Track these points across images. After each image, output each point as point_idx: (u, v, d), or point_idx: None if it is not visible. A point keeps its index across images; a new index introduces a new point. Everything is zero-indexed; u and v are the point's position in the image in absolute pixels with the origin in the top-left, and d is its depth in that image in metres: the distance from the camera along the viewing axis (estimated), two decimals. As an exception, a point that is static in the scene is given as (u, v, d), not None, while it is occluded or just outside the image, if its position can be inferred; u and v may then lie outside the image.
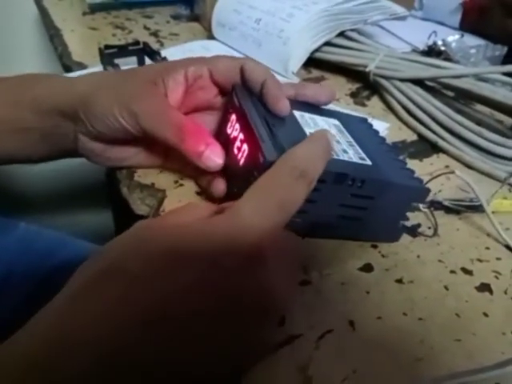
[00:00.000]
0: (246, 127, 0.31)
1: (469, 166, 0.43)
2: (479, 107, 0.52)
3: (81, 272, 0.22)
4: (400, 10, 0.60)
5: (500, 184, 0.38)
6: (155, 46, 0.62)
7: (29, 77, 0.39)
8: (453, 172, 0.33)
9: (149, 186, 0.37)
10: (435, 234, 0.35)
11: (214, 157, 0.32)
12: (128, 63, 0.53)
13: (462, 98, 0.54)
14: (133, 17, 0.73)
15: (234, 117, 0.33)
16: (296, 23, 0.52)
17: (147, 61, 0.53)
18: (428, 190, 0.31)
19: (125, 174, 0.39)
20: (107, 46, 0.51)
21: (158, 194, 0.37)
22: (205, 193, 0.36)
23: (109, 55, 0.51)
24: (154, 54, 0.52)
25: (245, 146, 0.30)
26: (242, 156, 0.30)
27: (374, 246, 0.33)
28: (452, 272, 0.32)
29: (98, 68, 0.53)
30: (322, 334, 0.27)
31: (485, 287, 0.31)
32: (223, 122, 0.35)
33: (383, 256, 0.33)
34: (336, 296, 0.29)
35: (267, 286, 0.22)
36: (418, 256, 0.33)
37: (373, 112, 0.51)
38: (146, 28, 0.69)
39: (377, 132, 0.38)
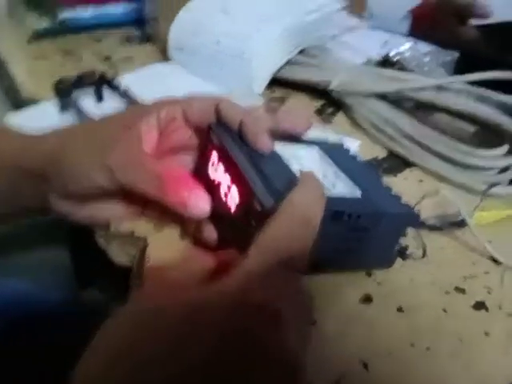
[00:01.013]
0: (231, 169, 0.30)
1: (442, 179, 0.44)
2: (438, 115, 0.54)
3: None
4: (354, 22, 0.61)
5: (477, 196, 0.39)
6: (109, 72, 0.60)
7: None
8: (437, 193, 0.33)
9: (128, 234, 0.36)
10: (424, 255, 0.35)
11: (200, 204, 0.30)
12: (85, 94, 0.51)
13: (421, 108, 0.55)
14: (81, 42, 0.70)
15: (215, 157, 0.32)
16: (257, 44, 0.51)
17: (107, 92, 0.51)
18: (418, 216, 0.32)
19: (100, 222, 0.37)
20: (62, 80, 0.48)
21: (139, 242, 0.35)
22: (189, 237, 0.35)
23: (64, 89, 0.48)
24: (111, 85, 0.50)
25: (234, 192, 0.29)
26: (232, 202, 0.29)
27: (369, 274, 0.33)
28: (447, 293, 0.33)
29: (53, 102, 0.50)
30: (336, 380, 0.26)
31: (480, 305, 0.32)
32: (202, 162, 0.34)
33: (379, 284, 0.33)
34: (343, 335, 0.29)
35: (285, 343, 0.21)
36: (412, 280, 0.33)
37: (339, 129, 0.52)
38: (96, 53, 0.66)
39: (355, 156, 0.38)
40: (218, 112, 0.33)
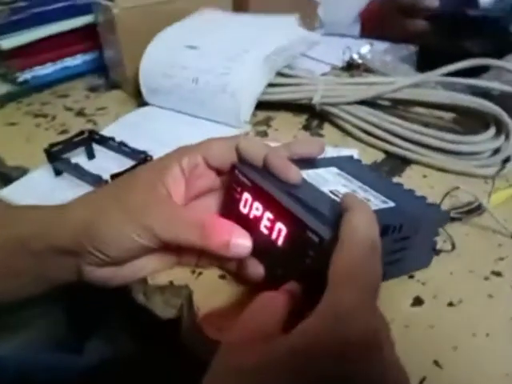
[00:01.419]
0: (270, 204, 0.30)
1: (442, 170, 0.46)
2: (416, 109, 0.56)
3: None
4: (317, 36, 0.63)
5: (477, 179, 0.41)
6: (87, 126, 0.59)
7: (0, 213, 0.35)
8: (458, 188, 0.35)
9: (168, 285, 0.35)
10: (454, 246, 0.37)
11: (242, 243, 0.31)
12: (76, 155, 0.50)
13: (399, 105, 0.58)
14: (47, 99, 0.68)
15: (247, 195, 0.33)
16: (237, 75, 0.52)
17: (96, 148, 0.51)
18: (449, 213, 0.33)
19: (135, 280, 0.36)
20: (52, 145, 0.47)
21: (181, 291, 0.35)
22: (231, 276, 0.35)
23: (56, 153, 0.47)
24: (103, 140, 0.49)
25: (279, 225, 0.30)
26: (278, 236, 0.30)
27: (411, 277, 0.35)
28: (486, 279, 0.34)
29: (43, 168, 0.49)
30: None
31: (521, 284, 0.34)
32: (230, 201, 0.34)
33: (424, 284, 0.34)
34: (406, 341, 0.30)
35: (395, 364, 0.22)
36: (451, 273, 0.35)
37: (331, 140, 0.53)
38: (67, 109, 0.65)
39: (367, 166, 0.39)
40: (238, 151, 0.33)
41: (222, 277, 0.35)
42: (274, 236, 0.30)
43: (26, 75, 0.68)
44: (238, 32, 0.59)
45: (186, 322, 0.34)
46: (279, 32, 0.57)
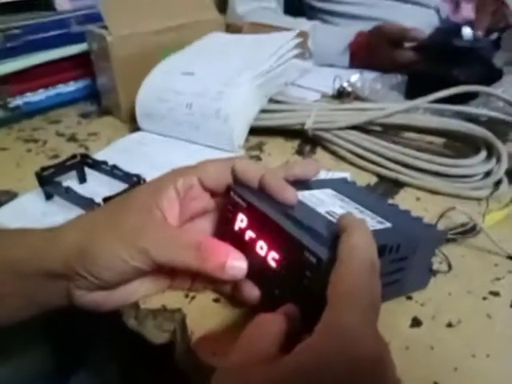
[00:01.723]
0: (266, 225, 0.30)
1: (435, 192, 0.47)
2: (407, 134, 0.57)
3: None
4: (308, 65, 0.64)
5: (470, 201, 0.42)
6: (79, 150, 0.59)
7: None
8: (454, 208, 0.35)
9: (160, 309, 0.34)
10: (450, 268, 0.37)
11: (238, 265, 0.30)
12: (67, 179, 0.49)
13: (391, 130, 0.58)
14: (39, 125, 0.68)
15: (241, 216, 0.32)
16: (230, 100, 0.53)
17: (88, 172, 0.50)
18: (445, 233, 0.33)
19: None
20: (43, 168, 0.47)
21: (174, 315, 0.34)
22: (225, 299, 0.34)
23: (47, 177, 0.47)
24: (96, 164, 0.49)
25: (275, 246, 0.29)
26: (274, 257, 0.29)
27: (409, 298, 0.34)
28: (484, 299, 0.34)
29: (33, 192, 0.48)
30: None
31: (518, 304, 0.34)
32: (224, 222, 0.34)
33: (422, 305, 0.34)
34: (406, 362, 0.29)
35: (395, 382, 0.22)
36: (449, 293, 0.35)
37: (324, 164, 0.53)
38: (59, 134, 0.65)
39: (361, 187, 0.39)
40: (234, 173, 0.33)
41: (216, 300, 0.35)
42: (270, 257, 0.30)
43: (18, 101, 0.68)
44: (234, 55, 0.60)
45: (180, 347, 0.33)
46: (272, 49, 0.57)
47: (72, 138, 0.63)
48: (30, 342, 0.65)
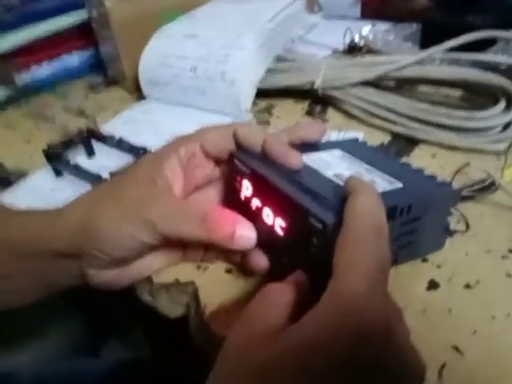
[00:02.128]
0: (271, 192, 0.29)
1: (451, 148, 0.45)
2: (422, 88, 0.54)
3: None
4: (314, 18, 0.61)
5: (488, 155, 0.40)
6: (87, 124, 0.58)
7: None
8: (469, 164, 0.34)
9: (173, 283, 0.34)
10: (468, 227, 0.35)
11: (246, 234, 0.30)
12: (75, 154, 0.49)
13: (404, 84, 0.56)
14: (46, 101, 0.67)
15: (246, 184, 0.31)
16: (235, 62, 0.51)
17: (95, 145, 0.50)
18: (460, 192, 0.32)
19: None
20: (51, 146, 0.47)
21: (187, 288, 0.34)
22: (237, 268, 0.34)
23: (55, 154, 0.46)
24: (102, 138, 0.48)
25: (282, 213, 0.28)
26: (281, 224, 0.29)
27: (425, 260, 0.33)
28: (503, 258, 0.33)
29: (43, 170, 0.48)
30: (439, 371, 0.26)
31: (540, 262, 0.32)
32: (231, 191, 0.33)
33: (438, 267, 0.33)
34: (424, 326, 0.29)
35: (409, 350, 0.21)
36: (466, 254, 0.33)
37: (335, 125, 0.52)
38: (67, 109, 0.64)
39: (373, 147, 0.38)
40: (236, 139, 0.32)
41: (229, 271, 0.34)
42: (276, 225, 0.29)
43: (24, 77, 0.67)
44: (237, 15, 0.57)
45: (194, 320, 0.33)
46: (275, 8, 0.55)
47: (80, 112, 0.62)
48: (62, 314, 0.67)
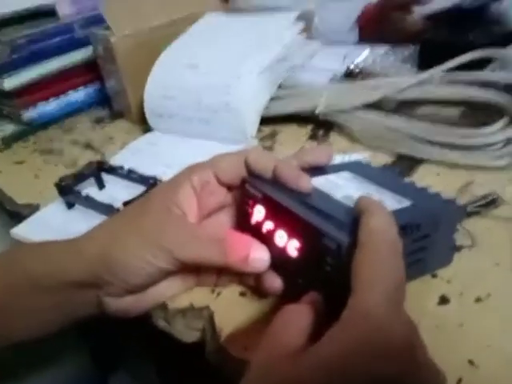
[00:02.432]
0: (283, 215, 0.30)
1: (454, 166, 0.45)
2: (422, 108, 0.56)
3: None
4: (316, 45, 0.63)
5: (490, 172, 0.41)
6: (95, 157, 0.60)
7: (5, 253, 0.35)
8: (473, 181, 0.35)
9: (188, 308, 0.35)
10: (475, 242, 0.36)
11: (260, 256, 0.31)
12: (86, 187, 0.50)
13: (405, 106, 0.57)
14: (54, 135, 0.69)
15: (259, 208, 0.32)
16: (239, 92, 0.52)
17: (105, 177, 0.51)
18: (465, 207, 0.32)
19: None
20: (62, 179, 0.48)
21: (202, 312, 0.34)
22: (251, 291, 0.35)
23: (66, 186, 0.47)
24: (112, 169, 0.50)
25: (294, 235, 0.29)
26: (294, 246, 0.29)
27: (434, 276, 0.34)
28: (512, 271, 0.33)
29: (55, 203, 0.49)
30: (457, 386, 0.26)
31: (550, 273, 0.33)
32: (244, 216, 0.34)
33: (448, 282, 0.33)
34: (437, 341, 0.29)
35: (429, 365, 0.21)
36: (475, 268, 0.34)
37: (339, 148, 0.53)
38: (74, 143, 0.66)
39: (378, 168, 0.39)
40: (247, 165, 0.33)
41: (243, 294, 0.35)
42: (290, 247, 0.30)
43: (31, 113, 0.69)
44: (236, 41, 0.59)
45: (210, 344, 0.34)
46: (278, 37, 0.56)
47: (88, 145, 0.64)
48: (68, 347, 0.66)
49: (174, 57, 0.61)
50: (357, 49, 0.74)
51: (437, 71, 0.50)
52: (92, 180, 0.50)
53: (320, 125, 0.57)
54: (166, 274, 0.32)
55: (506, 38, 0.66)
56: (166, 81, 0.59)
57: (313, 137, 0.56)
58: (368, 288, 0.22)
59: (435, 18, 0.73)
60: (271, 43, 0.55)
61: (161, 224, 0.31)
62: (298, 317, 0.25)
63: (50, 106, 0.72)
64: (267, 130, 0.59)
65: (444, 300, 0.32)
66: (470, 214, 0.38)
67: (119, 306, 0.32)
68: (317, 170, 0.35)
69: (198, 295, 0.35)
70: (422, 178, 0.45)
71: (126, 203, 0.41)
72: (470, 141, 0.45)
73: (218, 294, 0.35)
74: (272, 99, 0.56)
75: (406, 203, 0.31)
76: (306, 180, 0.31)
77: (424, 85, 0.52)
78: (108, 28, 0.63)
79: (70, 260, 0.32)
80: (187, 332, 0.35)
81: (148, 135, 0.61)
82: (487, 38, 0.63)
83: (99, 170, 0.50)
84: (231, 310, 0.34)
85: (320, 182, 0.33)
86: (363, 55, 0.69)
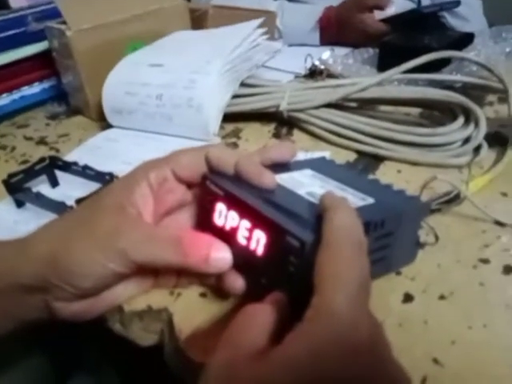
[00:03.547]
0: (246, 212, 0.29)
1: (415, 163, 0.46)
2: (382, 108, 0.56)
3: None
4: (278, 45, 0.62)
5: (449, 169, 0.41)
6: (50, 153, 0.57)
7: None
8: (435, 178, 0.35)
9: (146, 310, 0.33)
10: (437, 239, 0.36)
11: (221, 256, 0.29)
12: (38, 184, 0.47)
13: (366, 105, 0.57)
14: (6, 131, 0.65)
15: (221, 206, 0.31)
16: (202, 88, 0.51)
17: (59, 174, 0.48)
18: (430, 204, 0.32)
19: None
20: (11, 175, 0.45)
21: (161, 315, 0.33)
22: (211, 292, 0.33)
23: (16, 184, 0.45)
24: (66, 166, 0.47)
25: (257, 233, 0.28)
26: (257, 245, 0.28)
27: (398, 273, 0.34)
28: (474, 267, 0.34)
29: (3, 202, 0.46)
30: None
31: (509, 269, 0.33)
32: (205, 214, 0.33)
33: (412, 279, 0.33)
34: (401, 339, 0.29)
35: (394, 363, 0.21)
36: (438, 265, 0.34)
37: (302, 145, 0.52)
38: (27, 138, 0.62)
39: (341, 165, 0.38)
40: (208, 162, 0.32)
41: (203, 295, 0.34)
42: (253, 245, 0.29)
43: (-18, 108, 0.66)
44: (201, 46, 0.58)
45: (169, 347, 0.32)
46: (239, 37, 0.56)
47: (41, 142, 0.61)
48: (26, 350, 0.63)
49: (139, 57, 0.60)
50: (318, 50, 0.75)
51: (396, 72, 0.50)
52: (44, 177, 0.48)
53: (283, 123, 0.57)
54: (121, 277, 0.30)
55: (461, 41, 0.69)
56: (128, 78, 0.57)
57: (276, 135, 0.56)
58: (332, 286, 0.22)
59: (394, 22, 0.75)
60: (234, 44, 0.54)
61: (114, 225, 0.29)
62: (261, 316, 0.24)
63: (3, 101, 0.68)
64: (230, 127, 0.58)
65: (408, 297, 0.32)
66: (432, 211, 0.39)
67: (70, 310, 0.30)
68: (280, 167, 0.34)
69: (157, 297, 0.34)
70: (384, 175, 0.45)
71: (78, 200, 0.39)
72: (429, 139, 0.46)
73: (178, 295, 0.34)
74: (235, 97, 0.55)
75: (369, 201, 0.31)
76: (268, 176, 0.30)
77: (384, 86, 0.53)
78: (64, 22, 0.60)
79: (16, 261, 0.29)
80: (144, 335, 0.33)
81: (106, 132, 0.58)
82: (443, 42, 0.65)
83: (52, 166, 0.47)
84: (191, 311, 0.32)
85: (283, 178, 0.33)
86: (324, 56, 0.70)
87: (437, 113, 0.52)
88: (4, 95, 0.68)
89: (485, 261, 0.34)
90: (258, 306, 0.25)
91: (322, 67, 0.69)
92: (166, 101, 0.52)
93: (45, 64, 0.70)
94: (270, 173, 0.30)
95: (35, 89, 0.71)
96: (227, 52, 0.53)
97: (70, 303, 0.30)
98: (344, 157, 0.49)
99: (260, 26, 0.61)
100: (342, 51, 0.77)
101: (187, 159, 0.32)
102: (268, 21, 0.83)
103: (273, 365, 0.20)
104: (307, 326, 0.21)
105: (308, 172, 0.35)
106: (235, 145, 0.54)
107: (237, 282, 0.30)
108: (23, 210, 0.45)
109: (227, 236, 0.30)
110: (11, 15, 0.66)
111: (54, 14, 0.63)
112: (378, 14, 0.77)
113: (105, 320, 0.34)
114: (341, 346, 0.19)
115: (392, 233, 0.30)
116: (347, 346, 0.20)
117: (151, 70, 0.55)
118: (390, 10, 0.74)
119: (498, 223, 0.37)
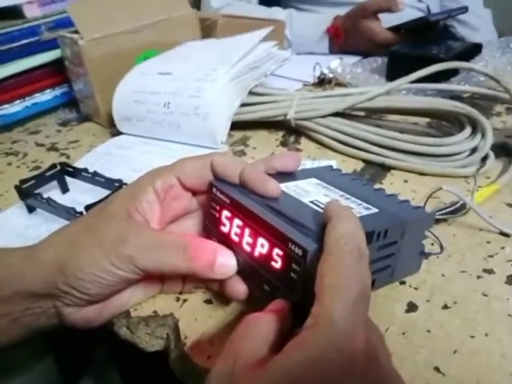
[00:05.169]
0: (250, 220, 0.29)
1: (422, 173, 0.46)
2: (390, 117, 0.57)
3: None
4: (287, 54, 0.63)
5: (465, 180, 0.41)
6: (60, 160, 0.57)
7: None
8: (441, 188, 0.35)
9: (152, 316, 0.34)
10: (442, 249, 0.36)
11: (227, 262, 0.30)
12: (49, 190, 0.48)
13: (374, 114, 0.58)
14: (18, 137, 0.66)
15: (226, 214, 0.31)
16: (208, 96, 0.52)
17: (69, 180, 0.49)
18: (434, 215, 0.32)
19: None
20: (23, 181, 0.46)
21: (167, 320, 0.33)
22: (216, 298, 0.34)
23: (27, 189, 0.46)
24: (76, 172, 0.48)
25: (261, 240, 0.29)
26: (261, 252, 0.29)
27: (403, 283, 0.34)
28: (478, 277, 0.34)
29: (15, 207, 0.47)
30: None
31: (512, 280, 0.33)
32: (210, 221, 0.33)
33: (416, 289, 0.33)
34: (404, 348, 0.29)
35: (392, 373, 0.21)
36: (443, 275, 0.34)
37: (309, 154, 0.53)
38: (39, 145, 0.63)
39: (346, 174, 0.39)
40: (214, 169, 0.32)
41: (208, 301, 0.34)
42: (256, 252, 0.29)
43: (-5, 115, 0.67)
44: (209, 54, 0.59)
45: (174, 353, 0.32)
46: (247, 46, 0.56)
47: (52, 148, 0.62)
48: (34, 355, 0.64)
49: (148, 67, 0.61)
50: (327, 59, 0.75)
51: (404, 81, 0.50)
52: (55, 183, 0.49)
53: (290, 131, 0.57)
54: (129, 283, 0.31)
55: (469, 51, 0.69)
56: (137, 86, 0.58)
57: (284, 143, 0.56)
58: (331, 296, 0.22)
59: (403, 32, 0.75)
60: (243, 52, 0.55)
61: (121, 231, 0.29)
62: (261, 325, 0.24)
63: (15, 108, 0.69)
64: (238, 135, 0.58)
65: (412, 307, 0.32)
66: (437, 221, 0.39)
67: (79, 316, 0.31)
68: (285, 176, 0.35)
69: (163, 303, 0.34)
70: (391, 184, 0.45)
71: (88, 207, 0.40)
72: (436, 149, 0.46)
73: (184, 301, 0.34)
74: (243, 105, 0.56)
75: (373, 210, 0.31)
76: (273, 184, 0.30)
77: (392, 95, 0.53)
78: (77, 31, 0.61)
79: (25, 269, 0.30)
80: (150, 340, 0.34)
81: (116, 138, 0.59)
82: (451, 52, 0.65)
83: (62, 172, 0.48)
84: (196, 317, 0.33)
85: (288, 187, 0.33)
86: (333, 65, 0.70)
87: (444, 123, 0.53)
88: (17, 102, 0.69)
89: (489, 271, 0.34)
90: (258, 315, 0.25)
91: (331, 76, 0.70)
92: (174, 109, 0.53)
93: (57, 72, 0.71)
94: (274, 181, 0.31)
95: (47, 96, 0.72)
96: (234, 60, 0.54)
97: (79, 309, 0.30)
98: (351, 166, 0.49)
99: (269, 35, 0.62)
100: (350, 60, 0.77)
101: (192, 167, 0.33)
102: (277, 30, 0.84)
103: (271, 374, 0.20)
104: (306, 334, 0.21)
105: (313, 181, 0.35)
106: (243, 152, 0.55)
107: (239, 288, 0.31)
108: (34, 215, 0.46)
109: (232, 243, 0.31)
110: (26, 25, 0.68)
111: (67, 23, 0.65)
112: (386, 23, 0.77)
113: (112, 325, 0.34)
114: (338, 355, 0.20)
115: (395, 242, 0.30)
116: (344, 356, 0.20)
117: (160, 78, 0.56)
118: (399, 19, 0.74)
119: (503, 234, 0.37)
